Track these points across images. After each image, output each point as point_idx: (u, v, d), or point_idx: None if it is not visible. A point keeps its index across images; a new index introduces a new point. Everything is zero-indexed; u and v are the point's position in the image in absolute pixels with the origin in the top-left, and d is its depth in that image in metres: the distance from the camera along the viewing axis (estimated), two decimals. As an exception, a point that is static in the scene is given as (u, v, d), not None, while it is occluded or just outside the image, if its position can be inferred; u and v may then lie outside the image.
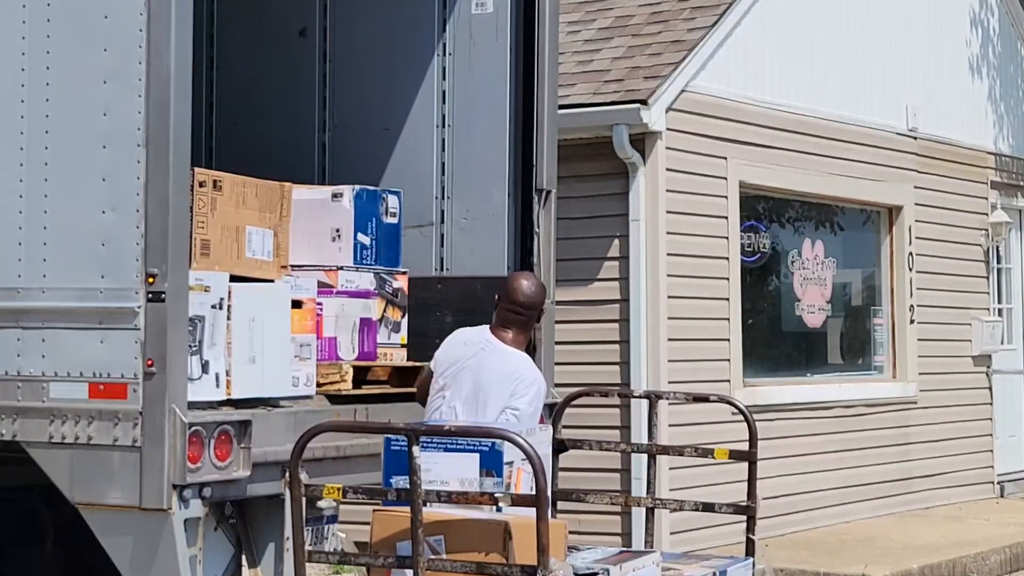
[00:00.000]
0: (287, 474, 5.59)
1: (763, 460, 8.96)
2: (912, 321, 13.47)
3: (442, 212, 8.24)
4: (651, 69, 11.11)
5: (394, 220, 8.04)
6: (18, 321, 6.57)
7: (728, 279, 11.58)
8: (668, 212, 10.97)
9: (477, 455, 5.47)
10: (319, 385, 7.25)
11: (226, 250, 6.99)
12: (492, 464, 5.46)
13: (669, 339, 10.90)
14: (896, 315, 13.47)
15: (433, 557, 5.21)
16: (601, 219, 10.97)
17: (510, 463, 5.49)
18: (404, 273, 8.02)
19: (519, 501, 5.12)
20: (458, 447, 5.48)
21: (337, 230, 7.78)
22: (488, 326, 6.92)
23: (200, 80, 8.20)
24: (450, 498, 5.20)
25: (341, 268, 7.70)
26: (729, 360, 11.50)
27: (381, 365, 7.67)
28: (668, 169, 10.99)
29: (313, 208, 7.79)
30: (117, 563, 6.35)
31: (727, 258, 11.58)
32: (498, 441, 5.44)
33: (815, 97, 12.44)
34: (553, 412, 7.33)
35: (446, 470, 5.43)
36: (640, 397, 9.65)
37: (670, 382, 10.73)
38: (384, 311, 7.78)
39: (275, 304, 7.04)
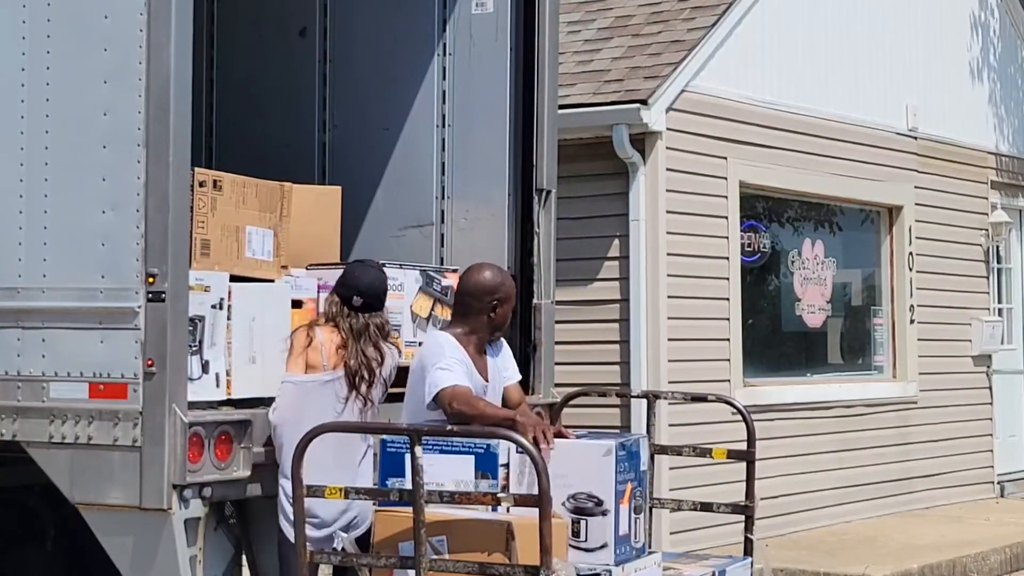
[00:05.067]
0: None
1: (763, 460, 9.00)
2: (912, 321, 13.46)
3: (442, 212, 8.23)
4: (651, 69, 11.10)
5: None
6: (18, 321, 6.56)
7: (728, 279, 11.57)
8: (668, 212, 10.97)
9: (472, 457, 5.46)
10: (319, 385, 7.23)
11: (226, 250, 6.98)
12: (487, 466, 5.45)
13: (669, 339, 10.90)
14: (896, 315, 13.46)
15: (435, 557, 5.20)
16: (601, 219, 10.97)
17: (505, 465, 5.48)
18: (455, 271, 7.87)
19: (522, 501, 5.11)
20: (453, 449, 5.47)
21: None
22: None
23: (200, 80, 8.19)
24: (452, 499, 5.19)
25: (383, 265, 7.51)
26: (729, 360, 11.49)
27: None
28: (668, 169, 10.98)
29: None
30: (117, 563, 6.34)
31: (727, 258, 11.57)
32: (493, 443, 5.42)
33: (815, 97, 12.42)
34: (552, 412, 7.32)
35: (442, 472, 5.41)
36: (638, 397, 9.65)
37: (670, 382, 10.72)
38: (432, 309, 7.68)
39: (275, 304, 7.04)
